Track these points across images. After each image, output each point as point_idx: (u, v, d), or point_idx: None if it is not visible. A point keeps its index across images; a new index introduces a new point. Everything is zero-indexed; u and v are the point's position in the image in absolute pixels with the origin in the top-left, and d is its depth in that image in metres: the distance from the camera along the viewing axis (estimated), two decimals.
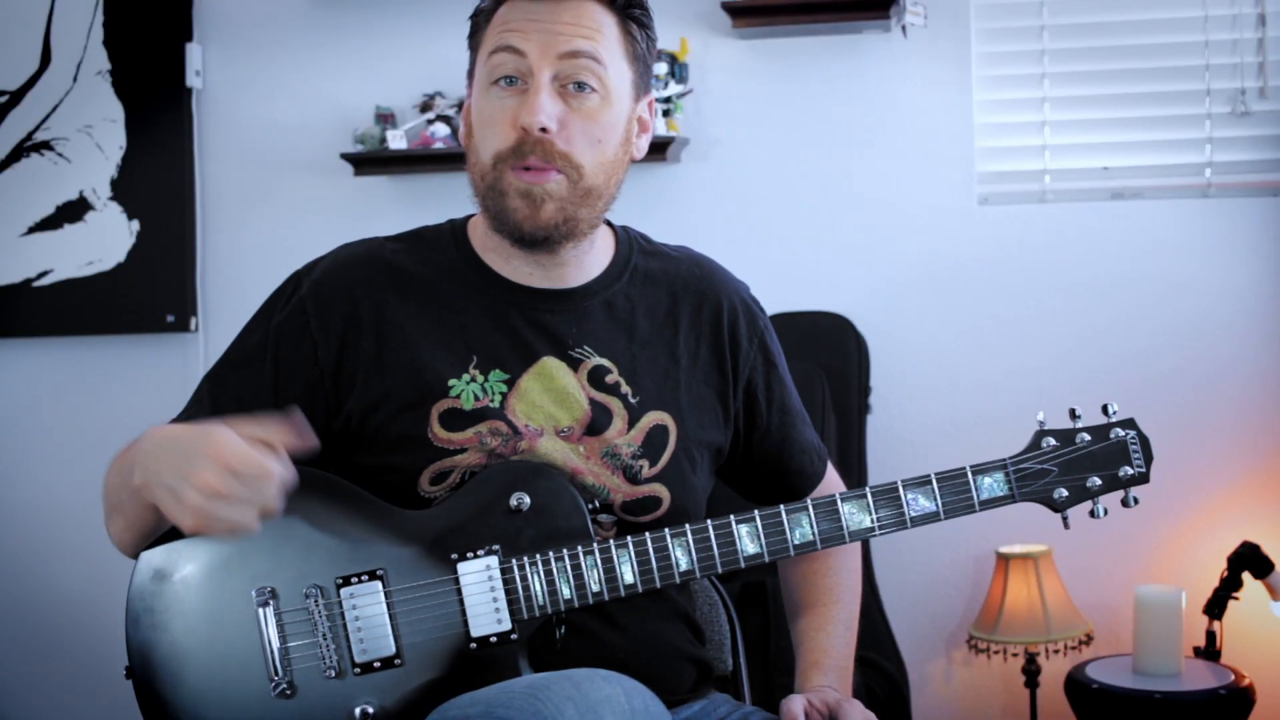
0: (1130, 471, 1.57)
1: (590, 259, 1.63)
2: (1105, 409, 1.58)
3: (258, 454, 1.36)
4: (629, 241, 1.69)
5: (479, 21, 1.59)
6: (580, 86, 1.53)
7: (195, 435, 1.39)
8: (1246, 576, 2.92)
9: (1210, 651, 2.91)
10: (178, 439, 1.40)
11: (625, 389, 1.60)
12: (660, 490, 1.59)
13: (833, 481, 1.80)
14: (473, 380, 1.56)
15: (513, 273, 1.61)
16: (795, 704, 1.56)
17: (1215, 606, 2.91)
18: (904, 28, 3.19)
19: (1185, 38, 3.19)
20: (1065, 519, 1.57)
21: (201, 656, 1.48)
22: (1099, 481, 1.56)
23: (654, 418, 1.60)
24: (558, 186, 1.53)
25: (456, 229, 1.67)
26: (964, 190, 3.25)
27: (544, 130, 1.51)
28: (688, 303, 1.67)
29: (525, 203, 1.52)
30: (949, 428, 3.22)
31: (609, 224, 1.69)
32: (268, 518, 1.37)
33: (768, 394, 1.71)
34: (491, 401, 1.55)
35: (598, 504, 1.57)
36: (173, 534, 1.50)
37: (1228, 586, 2.91)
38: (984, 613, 3.06)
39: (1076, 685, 2.82)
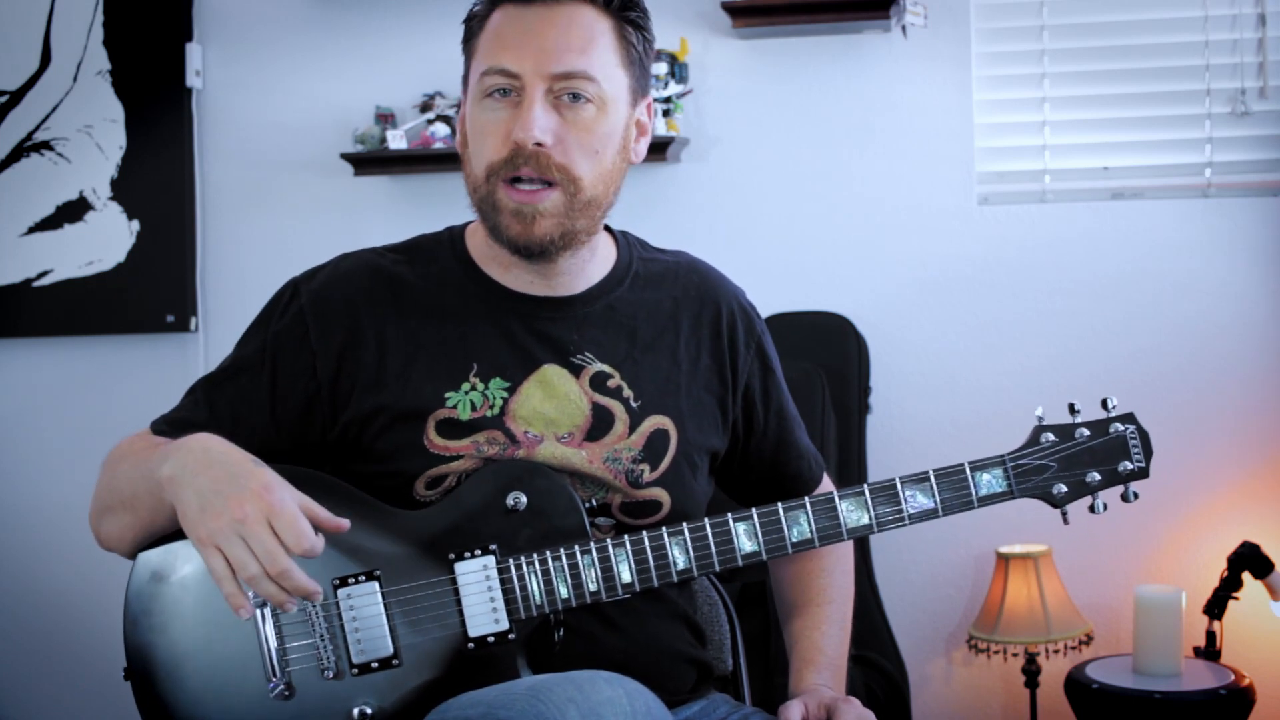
0: (1130, 466, 1.56)
1: (591, 266, 1.63)
2: (1104, 403, 1.57)
3: (303, 524, 1.35)
4: (629, 247, 1.69)
5: (472, 27, 1.57)
6: (575, 97, 1.51)
7: (250, 466, 1.39)
8: (1246, 576, 2.92)
9: (1210, 651, 2.91)
10: (233, 459, 1.41)
11: (627, 393, 1.59)
12: (661, 494, 1.59)
13: (829, 489, 1.79)
14: (472, 389, 1.55)
15: (513, 281, 1.60)
16: (793, 711, 1.56)
17: (1215, 606, 2.91)
18: (904, 28, 3.19)
19: (1185, 38, 3.18)
20: (1065, 514, 1.56)
21: (200, 658, 1.48)
22: (1098, 477, 1.56)
23: (655, 422, 1.60)
24: (552, 204, 1.51)
25: (455, 237, 1.66)
26: (964, 190, 3.25)
27: (539, 145, 1.49)
28: (688, 308, 1.67)
29: (517, 220, 1.51)
30: (949, 427, 3.22)
31: (608, 229, 1.68)
32: (288, 594, 1.36)
33: (765, 399, 1.70)
34: (491, 409, 1.55)
35: (595, 504, 1.57)
36: (171, 537, 1.50)
37: (1228, 586, 2.91)
38: (984, 613, 3.06)
39: (1076, 685, 2.81)
